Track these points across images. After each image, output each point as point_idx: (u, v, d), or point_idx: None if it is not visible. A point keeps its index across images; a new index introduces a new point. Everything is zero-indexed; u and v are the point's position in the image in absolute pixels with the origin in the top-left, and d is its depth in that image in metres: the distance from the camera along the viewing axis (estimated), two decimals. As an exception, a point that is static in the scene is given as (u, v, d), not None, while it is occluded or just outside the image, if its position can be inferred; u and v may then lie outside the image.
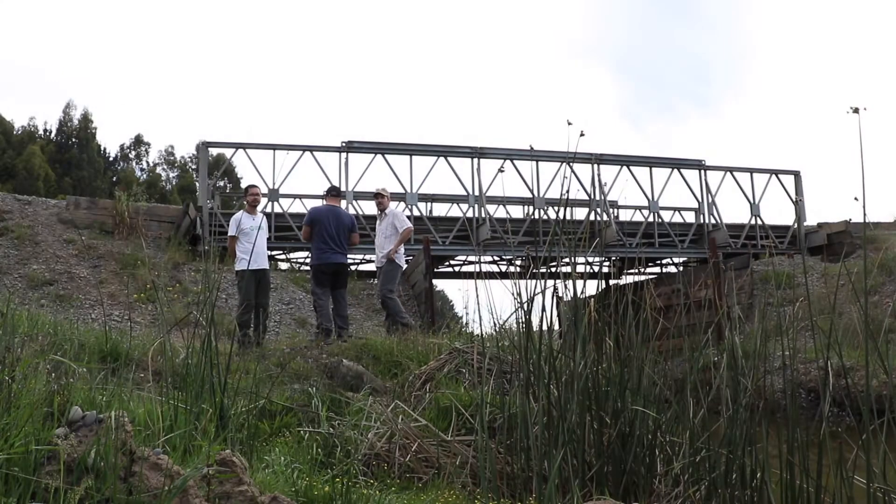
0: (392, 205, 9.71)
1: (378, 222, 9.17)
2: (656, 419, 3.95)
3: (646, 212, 16.39)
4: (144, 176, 40.43)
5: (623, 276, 16.08)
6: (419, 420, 4.93)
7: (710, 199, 16.29)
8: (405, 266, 9.25)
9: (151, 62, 66.90)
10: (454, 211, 16.75)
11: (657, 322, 4.48)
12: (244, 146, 13.96)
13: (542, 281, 4.22)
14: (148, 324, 9.40)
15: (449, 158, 14.95)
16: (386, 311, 9.09)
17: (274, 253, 15.23)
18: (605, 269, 13.27)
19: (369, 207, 16.54)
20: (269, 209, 13.76)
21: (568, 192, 4.29)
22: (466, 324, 10.22)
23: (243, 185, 9.56)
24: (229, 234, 8.42)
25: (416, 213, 14.69)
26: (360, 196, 14.86)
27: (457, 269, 17.49)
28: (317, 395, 5.22)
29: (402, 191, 14.69)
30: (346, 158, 14.33)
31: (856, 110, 3.04)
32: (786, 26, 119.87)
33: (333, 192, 9.09)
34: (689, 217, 17.64)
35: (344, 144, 14.40)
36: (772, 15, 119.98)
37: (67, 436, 2.57)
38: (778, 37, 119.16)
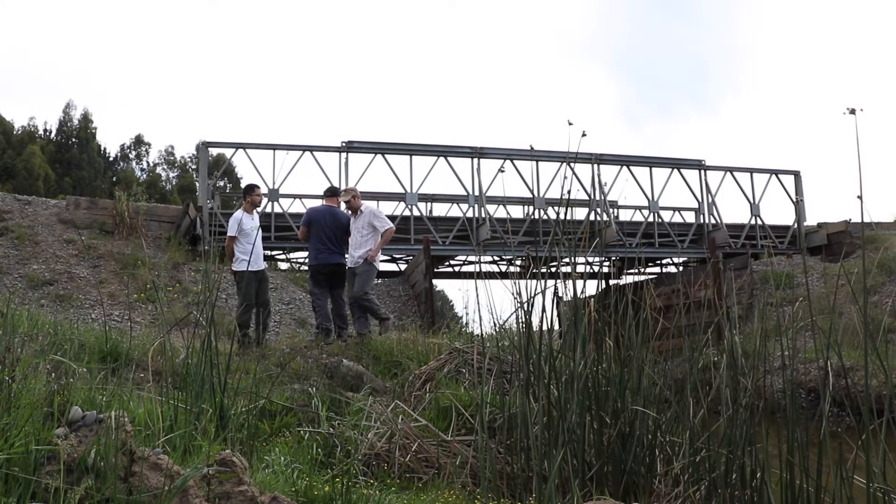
0: (370, 204, 9.44)
1: (352, 220, 8.65)
2: (656, 419, 3.95)
3: (646, 212, 16.39)
4: (144, 176, 40.43)
5: (623, 276, 16.08)
6: (419, 420, 4.93)
7: (710, 199, 16.30)
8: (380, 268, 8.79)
9: (151, 62, 66.95)
10: (454, 211, 16.76)
11: (657, 322, 4.48)
12: (244, 146, 13.96)
13: (542, 281, 4.22)
14: (148, 324, 9.40)
15: (449, 158, 14.95)
16: (362, 312, 8.51)
17: (274, 253, 15.24)
18: (605, 269, 13.26)
19: (369, 207, 16.58)
20: (269, 209, 13.77)
21: (568, 192, 4.29)
22: (466, 324, 10.25)
23: (243, 185, 9.34)
24: (230, 234, 8.19)
25: (416, 213, 14.69)
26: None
27: (457, 269, 17.48)
28: (317, 395, 5.23)
29: (402, 191, 14.70)
30: (346, 158, 14.33)
31: (852, 111, 3.04)
32: (784, 25, 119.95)
33: (330, 193, 9.08)
34: (689, 217, 17.64)
35: (344, 144, 14.40)
36: (770, 14, 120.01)
37: (67, 436, 2.57)
38: (776, 36, 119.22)
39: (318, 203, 10.04)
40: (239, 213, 8.29)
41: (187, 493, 2.56)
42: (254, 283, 8.06)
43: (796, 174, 17.21)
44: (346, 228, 8.58)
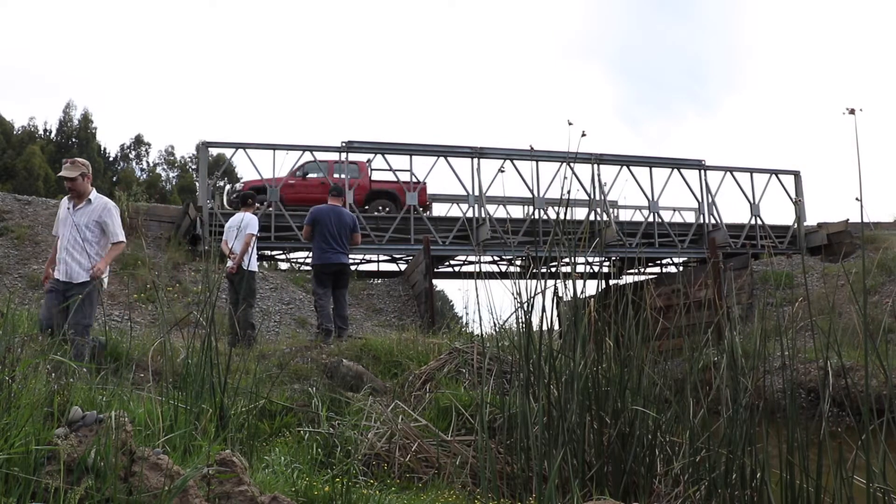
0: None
1: (68, 210, 5.82)
2: (656, 419, 3.95)
3: (646, 212, 16.39)
4: (144, 176, 40.42)
5: (623, 276, 16.08)
6: (419, 420, 4.93)
7: (710, 199, 16.30)
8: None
9: (151, 62, 66.91)
10: (454, 211, 16.77)
11: (657, 322, 4.48)
12: (244, 146, 13.96)
13: (542, 281, 4.22)
14: (148, 324, 9.40)
15: (449, 158, 14.96)
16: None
17: (274, 253, 15.25)
18: (605, 269, 13.26)
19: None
20: (269, 209, 13.78)
21: (568, 192, 4.29)
22: (466, 324, 10.24)
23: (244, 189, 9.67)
24: (252, 232, 8.36)
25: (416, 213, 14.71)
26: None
27: (457, 269, 17.49)
28: (317, 395, 5.23)
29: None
30: (346, 158, 14.33)
31: (851, 111, 3.03)
32: (783, 25, 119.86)
33: (335, 192, 9.07)
34: (689, 217, 17.65)
35: (344, 144, 14.41)
36: (769, 14, 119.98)
37: (67, 436, 2.57)
38: (775, 36, 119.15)
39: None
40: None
41: (187, 493, 2.56)
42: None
43: (796, 174, 17.21)
44: (350, 228, 8.59)
